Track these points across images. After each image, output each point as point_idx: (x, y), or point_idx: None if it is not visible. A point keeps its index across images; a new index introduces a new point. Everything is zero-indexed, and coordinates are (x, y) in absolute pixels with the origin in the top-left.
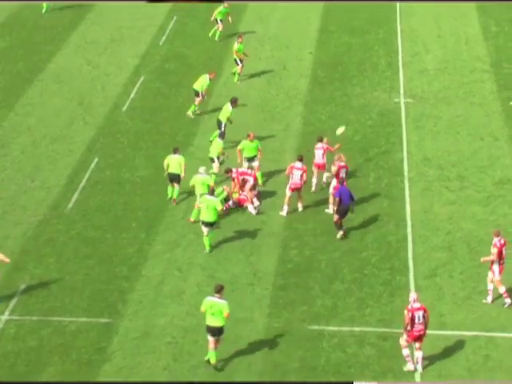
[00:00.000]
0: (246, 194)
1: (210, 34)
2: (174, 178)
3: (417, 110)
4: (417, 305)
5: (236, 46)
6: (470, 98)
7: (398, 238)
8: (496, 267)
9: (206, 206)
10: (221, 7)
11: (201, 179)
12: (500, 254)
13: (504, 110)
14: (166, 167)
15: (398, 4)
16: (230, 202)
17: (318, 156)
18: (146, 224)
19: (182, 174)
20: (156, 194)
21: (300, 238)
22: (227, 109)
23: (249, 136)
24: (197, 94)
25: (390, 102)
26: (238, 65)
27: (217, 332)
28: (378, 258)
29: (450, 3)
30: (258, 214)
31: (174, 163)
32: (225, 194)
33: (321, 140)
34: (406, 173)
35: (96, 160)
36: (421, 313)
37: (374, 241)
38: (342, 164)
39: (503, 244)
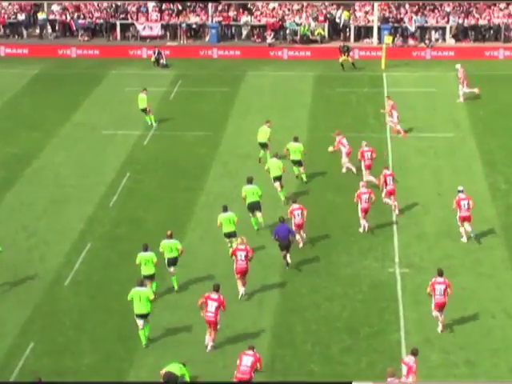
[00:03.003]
0: None
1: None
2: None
3: (415, 282)
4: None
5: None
6: (477, 267)
7: None
8: None
9: (139, 298)
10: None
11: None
12: None
13: None
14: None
15: (389, 159)
16: None
17: None
18: None
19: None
20: None
21: None
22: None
23: None
24: (265, 145)
25: (383, 272)
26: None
27: None
28: None
29: (453, 155)
30: None
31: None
32: None
33: None
34: (404, 356)
35: (31, 345)
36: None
37: None
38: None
39: None
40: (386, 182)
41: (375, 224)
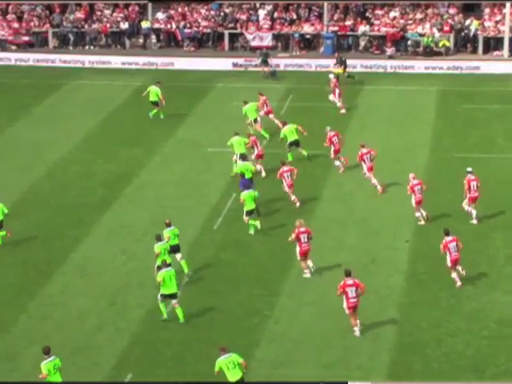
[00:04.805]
0: None
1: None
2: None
3: None
4: None
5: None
6: None
7: None
8: None
9: (170, 278)
10: None
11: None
12: None
13: None
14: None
15: None
16: None
17: None
18: None
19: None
20: None
21: None
22: None
23: None
24: (297, 143)
25: None
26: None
27: None
28: None
29: None
30: None
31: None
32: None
33: None
34: None
35: (129, 377)
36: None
37: None
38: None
39: None
40: (469, 187)
41: (506, 254)
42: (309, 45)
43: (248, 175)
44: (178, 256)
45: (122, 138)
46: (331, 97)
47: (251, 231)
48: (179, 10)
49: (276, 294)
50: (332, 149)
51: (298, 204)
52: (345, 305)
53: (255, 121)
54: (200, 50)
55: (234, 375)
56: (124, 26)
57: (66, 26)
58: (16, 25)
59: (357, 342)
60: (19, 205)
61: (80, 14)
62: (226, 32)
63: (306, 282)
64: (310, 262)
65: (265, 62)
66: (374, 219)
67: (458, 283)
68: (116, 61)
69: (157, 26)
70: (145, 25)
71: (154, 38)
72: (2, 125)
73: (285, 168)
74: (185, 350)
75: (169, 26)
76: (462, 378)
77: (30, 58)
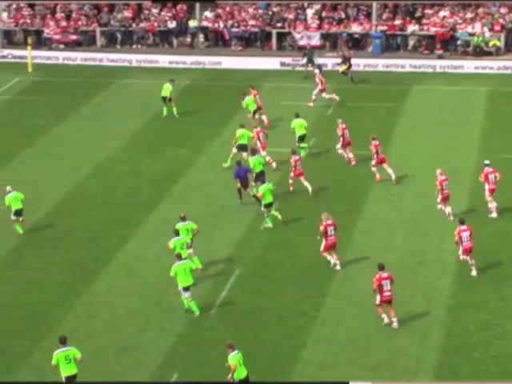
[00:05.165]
0: None
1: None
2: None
3: None
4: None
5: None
6: None
7: None
8: None
9: (184, 271)
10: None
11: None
12: None
13: None
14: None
15: None
16: None
17: None
18: None
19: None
20: None
21: None
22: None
23: None
24: (303, 138)
25: None
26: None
27: None
28: None
29: None
30: None
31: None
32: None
33: None
34: None
35: (175, 376)
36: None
37: None
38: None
39: None
40: (487, 180)
41: None
42: (357, 44)
43: (259, 168)
44: (190, 251)
45: (169, 137)
46: (315, 91)
47: (269, 224)
48: (227, 8)
49: (322, 295)
50: (341, 139)
51: (310, 190)
52: (379, 299)
53: (255, 113)
54: (247, 49)
55: (242, 372)
56: (172, 24)
57: (113, 24)
58: (64, 23)
59: (403, 343)
60: (66, 204)
61: (128, 13)
62: (274, 31)
63: (353, 283)
64: (334, 256)
65: (311, 61)
66: (421, 220)
67: (474, 272)
68: (163, 60)
69: (204, 24)
70: (192, 24)
71: (201, 37)
72: (50, 124)
73: (296, 157)
74: None
75: (216, 25)
76: (510, 381)
77: (78, 57)
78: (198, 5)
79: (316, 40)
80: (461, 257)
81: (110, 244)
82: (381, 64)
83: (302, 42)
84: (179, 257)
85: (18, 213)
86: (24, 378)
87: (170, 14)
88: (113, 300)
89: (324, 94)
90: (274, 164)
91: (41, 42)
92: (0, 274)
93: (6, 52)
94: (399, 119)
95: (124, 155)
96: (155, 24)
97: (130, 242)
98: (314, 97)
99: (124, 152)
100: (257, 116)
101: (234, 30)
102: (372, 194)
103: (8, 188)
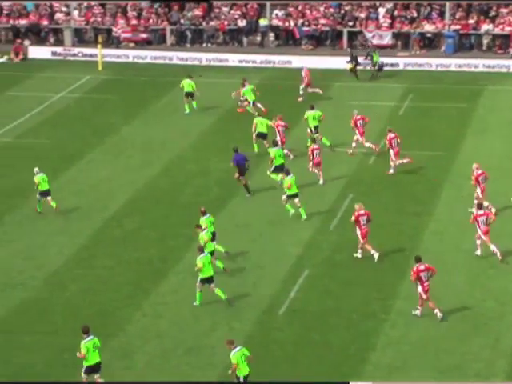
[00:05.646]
0: None
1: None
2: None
3: None
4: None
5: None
6: None
7: None
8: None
9: (208, 262)
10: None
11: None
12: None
13: None
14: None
15: None
16: None
17: None
18: None
19: None
20: None
21: None
22: None
23: None
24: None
25: None
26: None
27: None
28: None
29: None
30: None
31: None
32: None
33: None
34: None
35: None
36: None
37: None
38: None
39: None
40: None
41: None
42: (429, 43)
43: (279, 161)
44: (213, 243)
45: (238, 136)
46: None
47: (292, 211)
48: (298, 7)
49: (392, 298)
50: (357, 131)
51: (321, 181)
52: (420, 289)
53: (254, 103)
54: (318, 49)
55: (244, 369)
56: (242, 23)
57: (183, 23)
58: (134, 22)
59: (475, 347)
60: (135, 202)
61: (198, 12)
62: (345, 30)
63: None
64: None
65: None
66: (494, 223)
67: (498, 254)
68: (233, 59)
69: (275, 23)
70: (263, 22)
71: (271, 36)
72: (119, 123)
73: (315, 146)
74: (298, 352)
75: (287, 24)
76: None
77: (148, 56)
78: (268, 4)
79: (387, 39)
80: (477, 241)
81: (179, 243)
82: (453, 64)
83: (373, 41)
84: (201, 249)
85: (45, 193)
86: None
87: (239, 13)
88: (181, 300)
89: (309, 89)
90: (292, 155)
91: (112, 41)
92: (69, 272)
93: (76, 50)
94: (472, 120)
95: (192, 154)
96: (225, 22)
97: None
98: (301, 91)
99: (192, 151)
100: (255, 107)
101: (305, 28)
102: (444, 196)
103: (36, 169)
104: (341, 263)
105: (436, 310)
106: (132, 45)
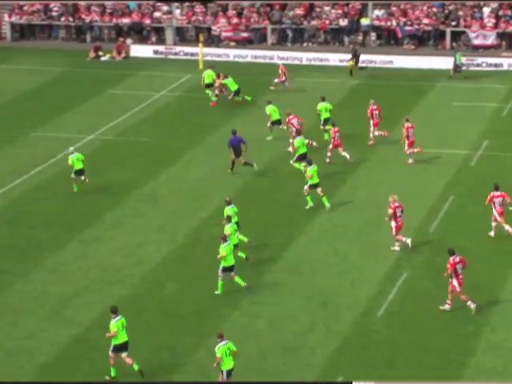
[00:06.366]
0: None
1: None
2: None
3: None
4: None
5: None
6: None
7: None
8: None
9: (231, 251)
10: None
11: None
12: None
13: None
14: None
15: None
16: None
17: None
18: None
19: None
20: None
21: None
22: None
23: None
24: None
25: None
26: None
27: None
28: None
29: None
30: None
31: None
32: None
33: None
34: None
35: (340, 379)
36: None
37: None
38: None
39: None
40: None
41: None
42: None
43: (303, 150)
44: (237, 234)
45: (346, 134)
46: (276, 80)
47: (310, 204)
48: (401, 6)
49: (494, 302)
50: (371, 122)
51: (348, 157)
52: (455, 282)
53: (237, 93)
54: (420, 48)
55: (228, 363)
56: (343, 22)
57: (285, 22)
58: (236, 21)
59: None
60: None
61: (300, 11)
62: (448, 30)
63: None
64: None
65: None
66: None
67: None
68: (334, 58)
69: (376, 23)
70: (364, 22)
71: (373, 35)
72: (218, 122)
73: (336, 129)
74: (396, 355)
75: (389, 24)
76: None
77: (249, 55)
78: (370, 3)
79: (492, 39)
80: (493, 223)
81: (277, 243)
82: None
83: (476, 42)
84: (224, 238)
85: (79, 172)
86: (189, 374)
87: (341, 12)
88: (278, 300)
89: (286, 83)
90: (315, 143)
91: (212, 40)
92: (167, 270)
93: (177, 49)
94: None
95: (291, 154)
96: (327, 22)
97: (297, 241)
98: (275, 82)
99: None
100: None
101: (407, 28)
102: None
103: (71, 149)
104: (441, 266)
105: (469, 302)
106: (233, 44)
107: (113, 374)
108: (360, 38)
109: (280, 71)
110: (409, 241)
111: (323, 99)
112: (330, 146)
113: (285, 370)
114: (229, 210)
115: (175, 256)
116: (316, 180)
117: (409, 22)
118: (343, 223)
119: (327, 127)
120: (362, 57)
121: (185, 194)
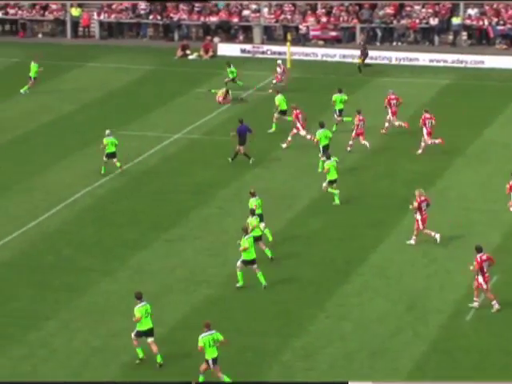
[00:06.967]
0: None
1: None
2: None
3: None
4: None
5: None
6: None
7: None
8: None
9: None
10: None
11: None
12: None
13: None
14: None
15: None
16: None
17: None
18: None
19: None
20: None
21: None
22: None
23: None
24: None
25: None
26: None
27: None
28: None
29: None
30: None
31: None
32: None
33: None
34: None
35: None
36: None
37: None
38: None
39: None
40: None
41: None
42: None
43: (324, 142)
44: (262, 225)
45: (443, 134)
46: (274, 80)
47: (337, 201)
48: (494, 6)
49: None
50: (389, 111)
51: (368, 145)
52: (481, 280)
53: (233, 80)
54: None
55: (211, 353)
56: (434, 22)
57: (374, 21)
58: (324, 19)
59: None
60: (319, 202)
61: (390, 10)
62: None
63: None
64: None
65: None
66: None
67: None
68: (424, 58)
69: (468, 22)
70: (456, 21)
71: (464, 35)
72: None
73: (360, 117)
74: (484, 360)
75: (481, 23)
76: None
77: (337, 54)
78: (462, 2)
79: None
80: None
81: (363, 245)
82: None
83: None
84: (246, 230)
85: (111, 155)
86: (274, 376)
87: (431, 11)
88: (364, 302)
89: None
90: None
91: (299, 39)
92: (252, 270)
93: (265, 48)
94: None
95: (379, 156)
96: (417, 21)
97: (384, 243)
98: (271, 87)
99: (380, 152)
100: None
101: (500, 27)
102: None
103: (108, 131)
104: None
105: (494, 302)
106: (321, 43)
107: (140, 356)
108: (450, 37)
109: (279, 69)
110: (437, 236)
111: (340, 90)
112: (353, 134)
113: (371, 373)
114: (253, 202)
115: (265, 256)
116: (333, 176)
117: (501, 22)
118: (431, 226)
119: (345, 118)
120: (447, 56)
121: (271, 194)
